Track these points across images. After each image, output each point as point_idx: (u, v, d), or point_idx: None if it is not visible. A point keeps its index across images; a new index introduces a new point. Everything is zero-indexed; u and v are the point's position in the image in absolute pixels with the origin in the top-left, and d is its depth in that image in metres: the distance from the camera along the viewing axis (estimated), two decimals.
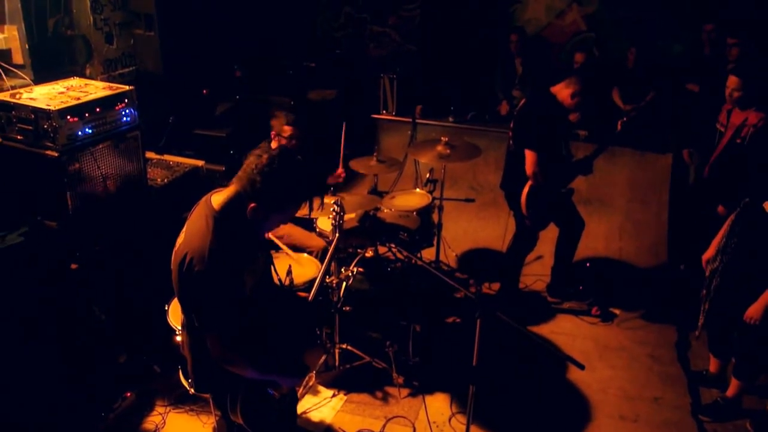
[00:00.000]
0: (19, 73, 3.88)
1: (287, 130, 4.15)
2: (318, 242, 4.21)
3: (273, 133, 4.21)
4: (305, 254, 4.02)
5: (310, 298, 2.99)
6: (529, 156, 4.08)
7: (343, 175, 4.56)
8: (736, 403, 3.66)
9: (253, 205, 2.14)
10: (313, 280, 3.67)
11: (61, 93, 3.44)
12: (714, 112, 4.45)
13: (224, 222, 2.16)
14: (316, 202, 3.65)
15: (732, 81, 4.08)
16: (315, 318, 3.48)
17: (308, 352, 2.67)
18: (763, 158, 3.75)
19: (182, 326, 2.42)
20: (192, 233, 2.18)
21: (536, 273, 5.03)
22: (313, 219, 4.21)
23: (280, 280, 2.76)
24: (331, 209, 3.59)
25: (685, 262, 5.02)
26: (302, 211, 3.58)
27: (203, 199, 2.27)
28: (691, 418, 3.72)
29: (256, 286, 2.32)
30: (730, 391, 3.66)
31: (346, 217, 4.20)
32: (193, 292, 2.17)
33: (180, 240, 2.23)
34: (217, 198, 2.22)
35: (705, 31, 5.69)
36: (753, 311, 3.25)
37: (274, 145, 4.24)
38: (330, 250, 3.48)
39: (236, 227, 2.18)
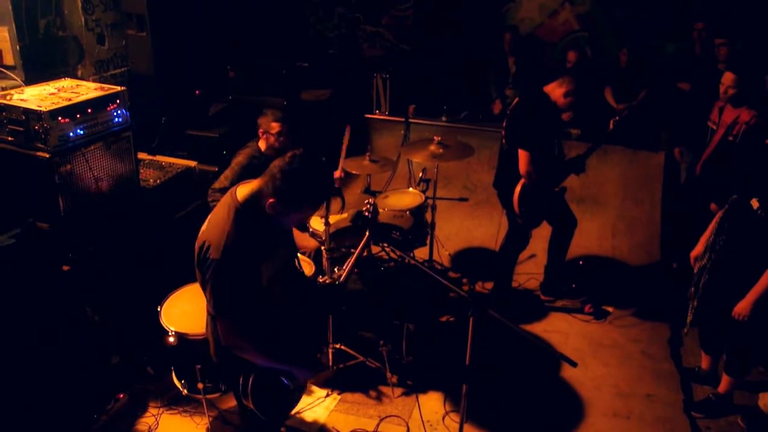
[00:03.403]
0: (10, 74, 3.87)
1: (275, 126, 4.14)
2: (312, 243, 4.21)
3: (261, 131, 4.20)
4: (299, 254, 4.02)
5: (342, 278, 3.14)
6: (522, 155, 4.09)
7: (341, 176, 4.54)
8: (728, 399, 3.69)
9: (272, 200, 2.22)
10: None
11: (53, 94, 3.43)
12: (705, 111, 4.48)
13: (244, 214, 2.25)
14: (337, 204, 3.66)
15: (727, 77, 4.10)
16: (336, 304, 3.61)
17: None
18: (754, 156, 3.77)
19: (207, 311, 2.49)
20: (214, 222, 2.28)
21: (529, 271, 5.05)
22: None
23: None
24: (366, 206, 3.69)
25: (677, 259, 5.05)
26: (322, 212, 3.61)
27: (231, 189, 2.35)
28: (684, 414, 3.74)
29: (276, 278, 2.40)
30: (722, 388, 3.68)
31: (339, 217, 4.22)
32: (207, 278, 2.24)
33: (204, 227, 2.33)
34: (243, 190, 2.31)
35: (696, 30, 5.72)
36: (741, 307, 3.27)
37: (261, 144, 4.26)
38: (362, 242, 3.52)
39: (255, 220, 2.26)
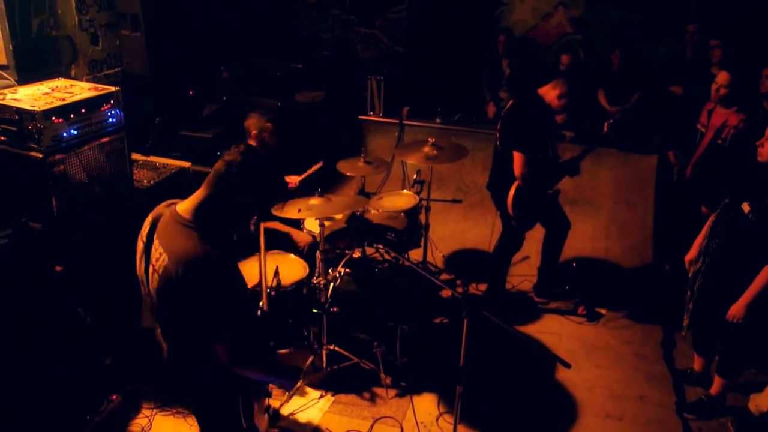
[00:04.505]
0: (3, 74, 3.85)
1: (266, 127, 4.16)
2: (305, 237, 4.21)
3: (253, 133, 4.21)
4: (291, 255, 4.02)
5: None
6: (517, 157, 4.10)
7: (294, 187, 4.44)
8: (720, 401, 3.70)
9: (225, 206, 2.15)
10: (300, 281, 3.68)
11: (46, 94, 3.41)
12: (697, 114, 4.50)
13: (204, 229, 2.12)
14: (297, 203, 3.63)
15: (722, 77, 4.12)
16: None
17: (295, 354, 2.68)
18: (744, 160, 3.80)
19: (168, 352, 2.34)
20: (176, 249, 2.10)
21: (523, 273, 5.06)
22: (300, 220, 4.21)
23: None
24: None
25: (670, 261, 5.07)
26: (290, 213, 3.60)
27: (164, 215, 2.21)
28: (676, 416, 3.76)
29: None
30: (714, 389, 3.70)
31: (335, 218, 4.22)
32: (195, 305, 2.10)
33: (160, 261, 2.14)
34: (184, 207, 2.18)
35: (688, 32, 5.76)
36: (735, 310, 3.29)
37: (252, 144, 4.26)
38: None
39: (216, 231, 2.15)
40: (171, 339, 2.27)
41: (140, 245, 2.28)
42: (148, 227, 2.25)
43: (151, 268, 2.18)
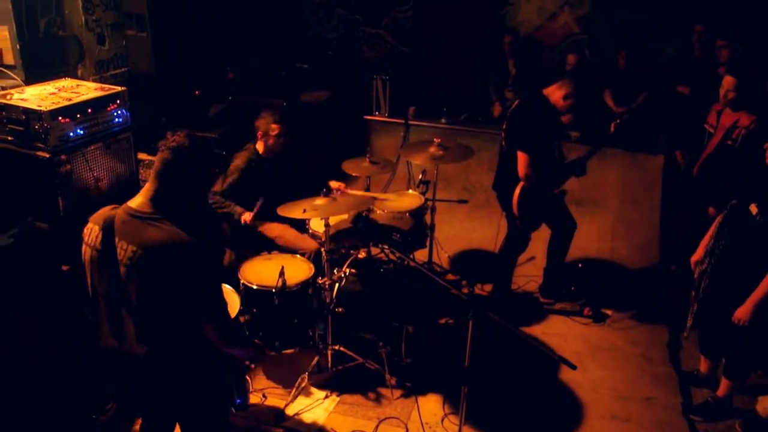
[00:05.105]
0: (10, 73, 3.87)
1: (275, 128, 4.20)
2: (311, 244, 4.21)
3: (260, 133, 4.23)
4: (298, 255, 4.02)
5: None
6: (522, 157, 4.09)
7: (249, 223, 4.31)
8: (727, 403, 3.68)
9: (183, 190, 2.24)
10: (305, 281, 3.68)
11: (53, 94, 3.43)
12: (704, 114, 4.48)
13: (171, 217, 2.20)
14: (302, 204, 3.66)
15: (728, 81, 4.10)
16: None
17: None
18: (753, 161, 3.77)
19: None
20: (150, 240, 2.16)
21: (528, 274, 5.04)
22: (306, 220, 4.21)
23: None
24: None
25: (676, 262, 5.05)
26: (295, 214, 3.60)
27: (117, 216, 2.25)
28: (683, 417, 3.74)
29: None
30: (721, 391, 3.68)
31: (338, 218, 4.22)
32: (184, 288, 2.18)
33: (135, 258, 2.17)
34: (139, 203, 2.24)
35: (695, 33, 5.73)
36: (741, 312, 3.27)
37: (259, 146, 4.28)
38: None
39: (182, 215, 2.23)
40: (153, 334, 2.28)
41: (89, 254, 2.28)
42: (99, 234, 2.24)
43: (122, 269, 2.20)
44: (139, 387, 2.39)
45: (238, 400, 2.56)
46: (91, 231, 2.27)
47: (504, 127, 4.34)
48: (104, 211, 2.30)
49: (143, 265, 2.17)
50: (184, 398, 2.43)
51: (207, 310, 2.26)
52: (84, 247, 2.30)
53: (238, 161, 4.23)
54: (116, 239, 2.22)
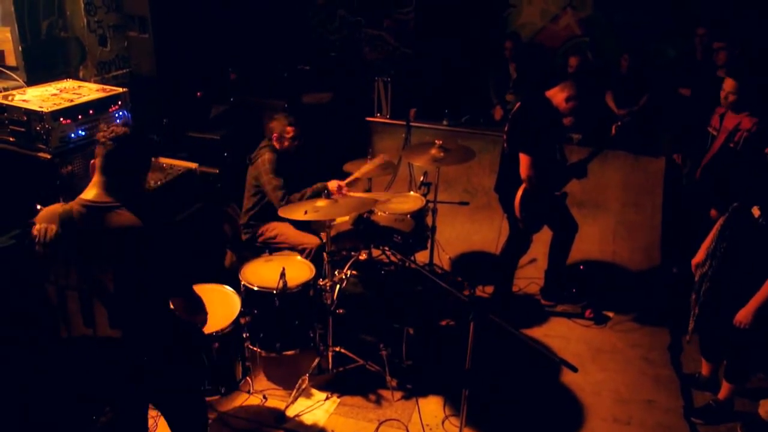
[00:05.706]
0: (12, 74, 3.87)
1: (290, 131, 4.27)
2: (312, 239, 4.23)
3: (275, 135, 4.26)
4: (298, 257, 4.02)
5: None
6: (524, 159, 4.09)
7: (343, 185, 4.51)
8: (728, 406, 3.68)
9: (132, 176, 2.38)
10: (306, 283, 3.68)
11: (54, 95, 3.43)
12: (706, 117, 4.47)
13: (128, 204, 2.31)
14: (303, 205, 3.71)
15: (728, 84, 4.09)
16: None
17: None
18: (756, 164, 3.77)
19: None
20: (117, 226, 2.26)
21: (530, 276, 5.04)
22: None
23: None
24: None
25: (678, 265, 5.04)
26: (296, 215, 3.60)
27: (73, 211, 2.30)
28: (684, 420, 3.73)
29: None
30: (722, 394, 3.67)
31: (339, 220, 4.21)
32: (155, 267, 2.32)
33: (103, 247, 2.28)
34: (93, 195, 2.32)
35: (697, 35, 5.72)
36: (743, 316, 3.26)
37: (275, 145, 4.30)
38: None
39: (137, 201, 2.35)
40: (128, 317, 2.35)
41: (47, 253, 2.31)
42: (55, 231, 2.29)
43: (94, 260, 2.27)
44: (113, 376, 2.45)
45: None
46: (47, 230, 2.30)
47: (506, 129, 4.34)
48: (54, 210, 2.34)
49: (116, 252, 2.26)
50: (162, 376, 2.52)
51: (177, 285, 2.44)
52: (38, 248, 2.32)
53: (267, 155, 4.24)
54: (80, 232, 2.28)
